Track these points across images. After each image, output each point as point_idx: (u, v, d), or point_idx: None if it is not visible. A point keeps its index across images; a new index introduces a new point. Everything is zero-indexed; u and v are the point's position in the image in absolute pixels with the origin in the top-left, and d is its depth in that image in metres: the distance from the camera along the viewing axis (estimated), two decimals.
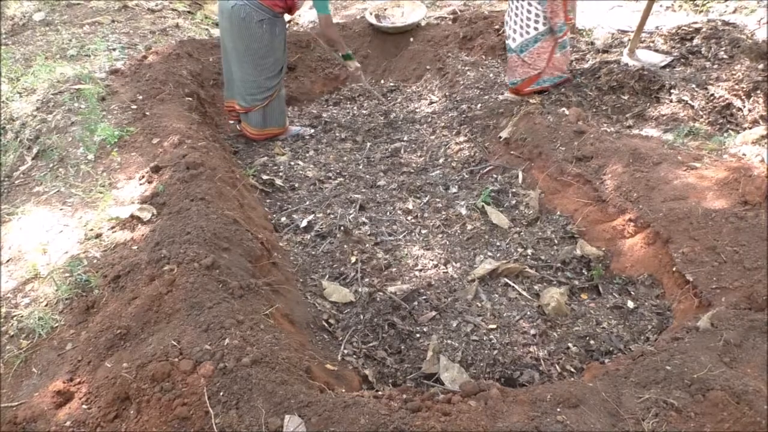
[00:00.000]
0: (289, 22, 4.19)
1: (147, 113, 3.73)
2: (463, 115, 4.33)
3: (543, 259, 3.04)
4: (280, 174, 3.94)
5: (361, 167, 4.10)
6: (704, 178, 2.94)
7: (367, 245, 3.20)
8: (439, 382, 2.40)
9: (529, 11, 3.85)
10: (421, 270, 3.04)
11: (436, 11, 5.89)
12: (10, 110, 3.86)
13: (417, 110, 4.76)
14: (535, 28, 3.88)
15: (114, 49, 4.88)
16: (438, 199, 3.63)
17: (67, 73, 4.20)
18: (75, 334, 2.27)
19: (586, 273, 2.95)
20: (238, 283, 2.37)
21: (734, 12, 4.81)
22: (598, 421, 1.81)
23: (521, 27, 3.93)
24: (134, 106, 3.83)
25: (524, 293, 2.84)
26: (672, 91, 3.89)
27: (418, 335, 2.65)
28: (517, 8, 3.91)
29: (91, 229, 2.80)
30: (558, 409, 1.86)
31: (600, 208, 3.15)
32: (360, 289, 2.87)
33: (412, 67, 5.26)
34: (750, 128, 3.51)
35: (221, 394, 1.85)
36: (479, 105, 4.31)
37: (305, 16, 6.50)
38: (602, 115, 3.96)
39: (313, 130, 4.57)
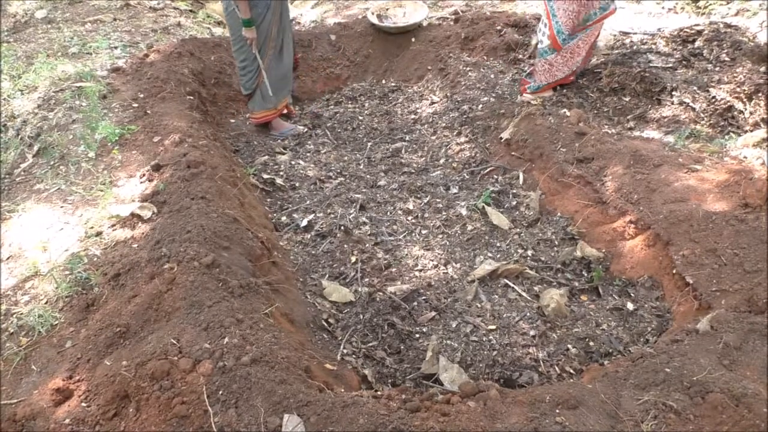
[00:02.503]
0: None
1: (148, 111, 3.73)
2: (464, 116, 4.33)
3: (543, 261, 3.04)
4: (281, 173, 3.94)
5: (361, 167, 4.10)
6: (705, 180, 2.94)
7: (367, 245, 3.20)
8: (439, 383, 2.40)
9: (545, 23, 3.90)
10: (421, 270, 3.04)
11: (437, 11, 5.89)
12: (12, 107, 3.86)
13: (418, 110, 4.76)
14: (548, 37, 3.91)
15: (115, 47, 4.88)
16: (438, 200, 3.63)
17: (69, 71, 4.20)
18: (75, 332, 2.27)
19: (586, 274, 2.95)
20: (238, 282, 2.37)
21: (736, 14, 4.81)
22: (597, 423, 1.81)
23: (539, 35, 3.98)
24: (135, 105, 3.83)
25: (524, 294, 2.84)
26: (673, 93, 3.89)
27: (417, 335, 2.65)
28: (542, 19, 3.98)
29: (92, 227, 2.80)
30: (557, 411, 1.86)
31: (600, 210, 3.14)
32: (360, 289, 2.87)
33: (413, 67, 5.25)
34: (751, 131, 3.51)
35: (220, 392, 1.85)
36: (480, 106, 4.31)
37: (306, 16, 6.51)
38: (603, 117, 3.96)
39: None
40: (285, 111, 4.60)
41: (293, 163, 4.09)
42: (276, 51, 4.26)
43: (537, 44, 4.18)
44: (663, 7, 5.29)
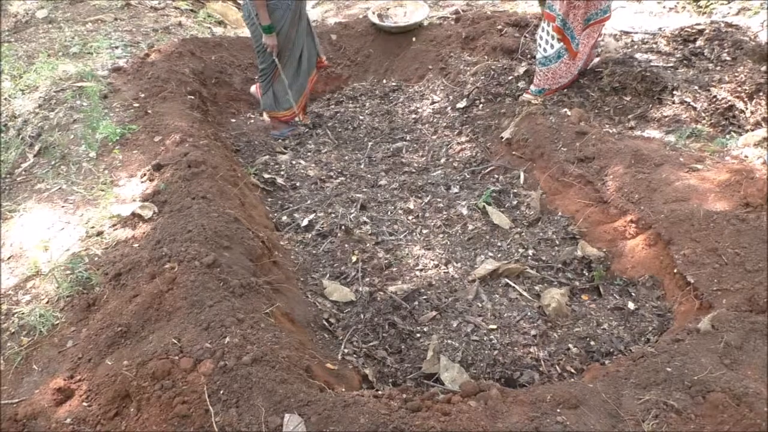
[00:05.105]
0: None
1: (149, 111, 3.73)
2: (465, 115, 4.33)
3: (544, 260, 3.04)
4: (282, 173, 3.94)
5: (362, 166, 4.10)
6: (706, 180, 2.93)
7: (368, 245, 3.20)
8: (439, 382, 2.40)
9: (548, 32, 3.88)
10: (421, 270, 3.04)
11: (438, 11, 5.89)
12: (13, 107, 3.86)
13: (419, 110, 4.76)
14: (552, 45, 3.88)
15: (116, 47, 4.88)
16: (439, 199, 3.63)
17: (70, 71, 4.20)
18: (76, 332, 2.27)
19: (587, 274, 2.95)
20: (239, 282, 2.37)
21: (737, 14, 4.80)
22: (598, 422, 1.81)
23: (541, 44, 3.95)
24: (136, 104, 3.84)
25: (525, 294, 2.84)
26: (674, 92, 3.89)
27: (418, 335, 2.65)
28: (541, 27, 3.96)
29: (93, 227, 2.80)
30: (558, 410, 1.86)
31: (601, 209, 3.14)
32: (361, 289, 2.87)
33: (414, 66, 5.25)
34: (752, 130, 3.51)
35: (221, 392, 1.85)
36: (481, 105, 4.30)
37: None
38: (604, 116, 3.96)
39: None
40: (297, 118, 4.57)
41: (294, 162, 4.09)
42: (295, 56, 4.28)
43: (537, 53, 4.15)
44: (664, 7, 5.29)
